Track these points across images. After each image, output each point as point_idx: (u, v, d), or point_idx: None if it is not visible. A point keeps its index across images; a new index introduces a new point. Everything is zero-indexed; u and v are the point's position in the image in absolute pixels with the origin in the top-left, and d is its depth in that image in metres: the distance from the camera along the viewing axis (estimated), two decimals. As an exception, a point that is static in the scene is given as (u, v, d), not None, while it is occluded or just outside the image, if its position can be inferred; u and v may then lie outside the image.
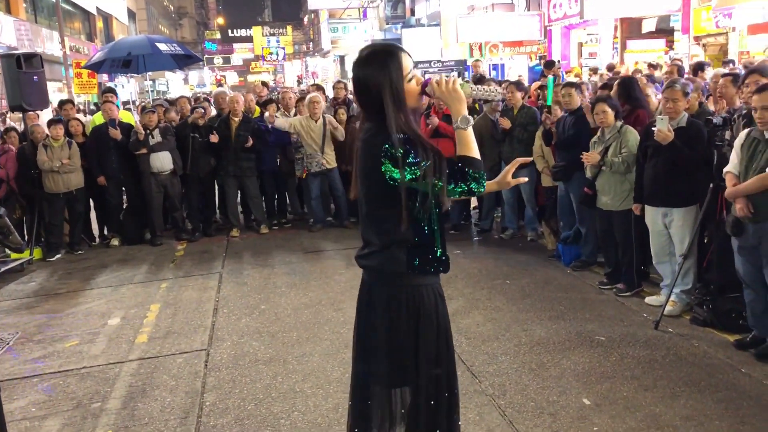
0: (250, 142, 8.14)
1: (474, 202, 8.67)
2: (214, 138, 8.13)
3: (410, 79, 2.36)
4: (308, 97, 8.43)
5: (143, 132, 7.99)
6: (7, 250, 7.36)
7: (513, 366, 4.39)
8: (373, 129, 2.33)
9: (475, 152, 2.31)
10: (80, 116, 9.99)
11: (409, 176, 2.25)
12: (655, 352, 4.52)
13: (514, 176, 2.67)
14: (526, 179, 2.91)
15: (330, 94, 10.81)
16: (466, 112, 2.33)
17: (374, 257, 2.43)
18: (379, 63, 2.34)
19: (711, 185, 4.78)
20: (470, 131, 2.33)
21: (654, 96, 6.25)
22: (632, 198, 5.43)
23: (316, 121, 8.17)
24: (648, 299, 5.46)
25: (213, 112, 9.40)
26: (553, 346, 4.67)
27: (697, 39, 14.42)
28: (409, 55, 2.40)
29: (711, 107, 5.79)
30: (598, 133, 5.72)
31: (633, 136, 5.47)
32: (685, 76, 7.65)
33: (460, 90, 2.33)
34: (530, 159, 2.90)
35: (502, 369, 4.35)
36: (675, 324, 4.97)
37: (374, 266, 2.45)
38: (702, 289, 5.07)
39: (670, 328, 4.89)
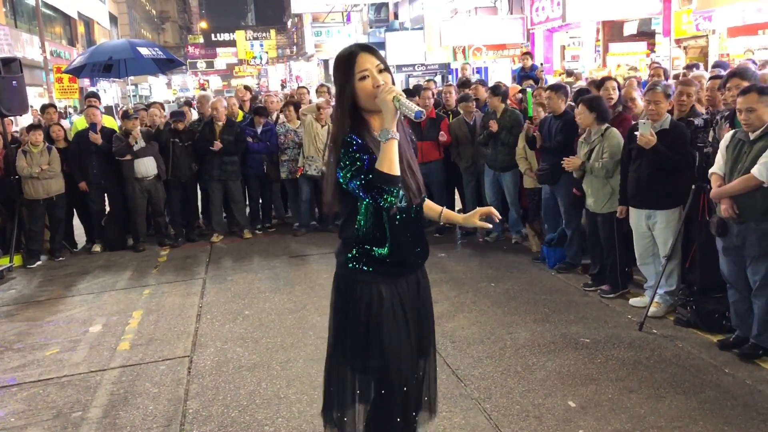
0: (218, 147, 8.08)
1: (458, 204, 8.67)
2: (217, 146, 8.05)
3: (362, 78, 2.35)
4: (316, 102, 8.51)
5: (136, 137, 7.89)
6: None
7: (498, 369, 4.38)
8: None
9: (388, 167, 2.25)
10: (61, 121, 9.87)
11: (341, 175, 2.35)
12: (640, 353, 4.53)
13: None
14: (491, 226, 2.94)
15: (314, 97, 10.79)
16: (391, 125, 2.26)
17: (337, 247, 2.61)
18: (336, 63, 2.42)
19: (693, 186, 4.81)
20: (391, 145, 2.25)
21: (640, 99, 6.27)
22: (615, 201, 5.45)
23: (322, 126, 8.18)
24: (632, 301, 5.48)
25: (193, 116, 9.33)
26: (538, 349, 4.67)
27: (678, 42, 14.55)
28: (375, 55, 2.38)
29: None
30: (584, 134, 5.74)
31: (616, 140, 5.48)
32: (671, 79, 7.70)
33: (389, 101, 2.27)
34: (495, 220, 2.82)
35: (487, 372, 4.34)
36: (659, 325, 4.99)
37: (335, 254, 2.63)
38: (685, 290, 5.09)
39: (654, 330, 4.91)
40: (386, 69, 2.40)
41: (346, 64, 2.38)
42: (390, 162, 2.25)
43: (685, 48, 14.67)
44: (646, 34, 16.59)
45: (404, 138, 2.45)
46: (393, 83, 2.40)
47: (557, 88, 6.44)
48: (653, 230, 5.16)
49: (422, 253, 2.65)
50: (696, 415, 3.69)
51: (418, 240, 2.59)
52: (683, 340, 4.72)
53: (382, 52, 2.50)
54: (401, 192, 2.38)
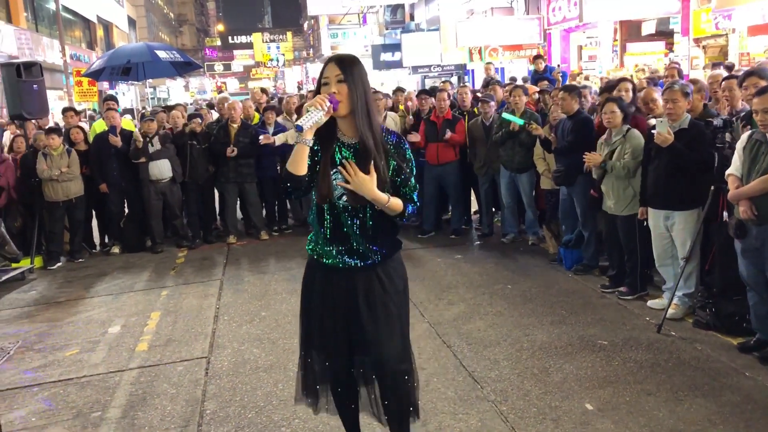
0: (234, 152, 8.11)
1: (474, 206, 8.65)
2: (230, 152, 8.09)
3: (324, 84, 2.72)
4: (305, 107, 8.44)
5: (141, 140, 7.97)
6: (4, 260, 7.35)
7: (515, 371, 4.36)
8: None
9: (291, 166, 2.64)
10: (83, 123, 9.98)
11: None
12: (658, 355, 4.49)
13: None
14: None
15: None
16: (308, 132, 2.59)
17: None
18: None
19: (712, 187, 4.76)
20: (298, 147, 2.62)
21: (660, 99, 6.20)
22: (636, 203, 5.41)
23: None
24: (650, 302, 5.44)
25: (214, 116, 9.39)
26: (555, 351, 4.64)
27: (697, 41, 14.40)
28: (340, 66, 2.67)
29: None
30: (605, 135, 5.70)
31: (637, 141, 5.43)
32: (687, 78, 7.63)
33: (304, 110, 2.63)
34: None
35: (504, 374, 4.33)
36: (677, 327, 4.94)
37: None
38: (704, 292, 5.04)
39: (673, 332, 4.87)
40: (345, 80, 2.66)
41: (320, 71, 2.75)
42: (292, 162, 2.63)
43: (704, 47, 14.51)
44: (664, 33, 16.43)
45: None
46: (356, 94, 2.66)
47: (570, 89, 6.40)
48: (671, 231, 5.12)
49: (346, 253, 2.84)
50: (715, 418, 3.65)
51: (348, 241, 2.83)
52: (702, 342, 4.67)
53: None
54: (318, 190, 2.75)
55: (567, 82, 10.25)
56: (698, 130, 4.93)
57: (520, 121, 6.82)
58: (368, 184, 2.66)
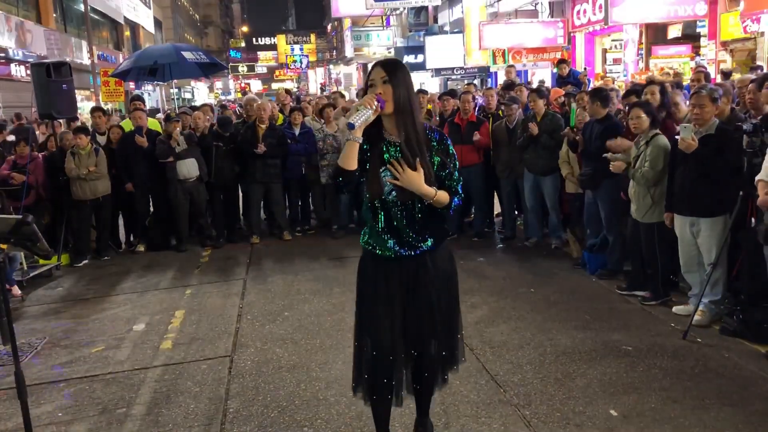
0: (262, 149, 8.14)
1: (497, 208, 8.62)
2: (261, 149, 8.12)
3: (370, 85, 2.91)
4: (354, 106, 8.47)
5: (176, 140, 8.05)
6: (35, 256, 7.47)
7: (538, 376, 4.34)
8: None
9: (342, 162, 2.80)
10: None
11: None
12: (684, 362, 4.43)
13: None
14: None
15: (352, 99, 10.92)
16: (358, 130, 2.75)
17: None
18: None
19: (741, 193, 4.69)
20: (348, 144, 2.78)
21: (683, 103, 6.14)
22: (654, 213, 5.38)
23: None
24: (675, 308, 5.37)
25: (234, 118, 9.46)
26: (579, 356, 4.61)
27: (724, 44, 14.20)
28: (385, 68, 2.88)
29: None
30: (636, 140, 5.64)
31: (657, 149, 5.33)
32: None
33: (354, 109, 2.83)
34: None
35: (527, 379, 4.30)
36: (704, 334, 4.88)
37: None
38: (732, 298, 4.97)
39: (699, 339, 4.80)
40: (390, 81, 2.84)
41: (367, 74, 2.95)
42: (343, 158, 2.79)
43: (731, 51, 14.31)
44: (690, 36, 16.23)
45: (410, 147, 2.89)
46: (400, 94, 2.84)
47: (594, 94, 6.34)
48: (697, 238, 5.05)
49: (398, 244, 2.99)
50: (743, 427, 3.60)
51: (399, 233, 2.99)
52: (729, 350, 4.61)
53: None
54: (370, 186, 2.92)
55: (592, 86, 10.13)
56: (726, 135, 4.86)
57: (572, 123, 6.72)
58: (416, 180, 2.84)
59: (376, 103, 2.76)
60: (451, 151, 3.01)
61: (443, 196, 2.92)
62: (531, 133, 7.07)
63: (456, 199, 2.99)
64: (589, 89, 7.10)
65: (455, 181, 3.00)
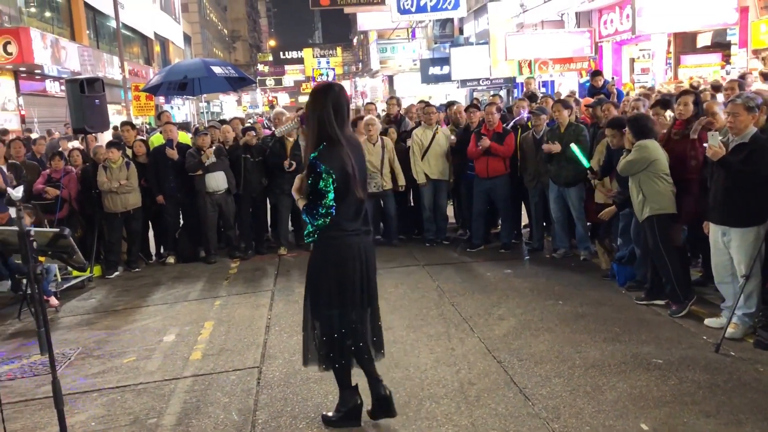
0: (293, 167, 8.16)
1: (525, 220, 8.57)
2: (289, 165, 8.16)
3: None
4: (365, 119, 8.50)
5: (209, 155, 8.16)
6: (68, 267, 7.61)
7: (567, 389, 4.30)
8: None
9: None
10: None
11: None
12: (717, 376, 4.36)
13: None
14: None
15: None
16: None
17: None
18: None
19: (775, 203, 4.62)
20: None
21: (721, 113, 6.00)
22: (648, 209, 5.49)
23: (373, 144, 8.24)
24: (707, 321, 5.29)
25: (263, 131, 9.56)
26: (609, 369, 4.56)
27: (755, 52, 13.98)
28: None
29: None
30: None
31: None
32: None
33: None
34: None
35: (555, 392, 4.27)
36: (737, 347, 4.79)
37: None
38: (766, 311, 4.88)
39: (732, 352, 4.72)
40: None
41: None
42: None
43: (763, 59, 14.08)
44: (720, 45, 16.01)
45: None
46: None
47: (615, 124, 6.26)
48: (729, 248, 4.98)
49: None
50: (778, 442, 3.53)
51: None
52: (764, 363, 4.51)
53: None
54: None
55: (622, 98, 10.00)
56: (760, 144, 4.78)
57: (586, 164, 6.56)
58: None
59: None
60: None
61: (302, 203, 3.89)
62: (550, 151, 7.04)
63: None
64: (608, 120, 6.83)
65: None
